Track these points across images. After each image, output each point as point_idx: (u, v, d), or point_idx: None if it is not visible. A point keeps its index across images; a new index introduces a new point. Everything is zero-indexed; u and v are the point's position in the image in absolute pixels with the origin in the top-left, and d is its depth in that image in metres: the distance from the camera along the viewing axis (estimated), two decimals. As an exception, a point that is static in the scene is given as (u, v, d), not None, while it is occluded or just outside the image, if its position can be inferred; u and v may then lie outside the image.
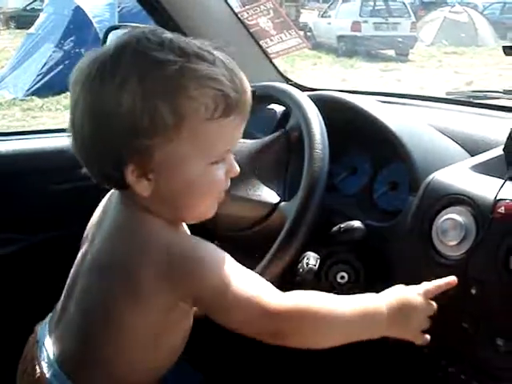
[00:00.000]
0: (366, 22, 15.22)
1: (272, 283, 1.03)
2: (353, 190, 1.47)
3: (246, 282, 0.97)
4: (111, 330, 1.00)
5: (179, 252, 0.96)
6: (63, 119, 8.09)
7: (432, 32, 15.76)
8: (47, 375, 1.03)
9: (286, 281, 1.18)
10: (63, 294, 1.11)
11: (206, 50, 0.96)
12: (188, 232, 1.10)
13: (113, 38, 1.85)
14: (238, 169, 1.03)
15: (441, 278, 1.15)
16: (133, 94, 0.89)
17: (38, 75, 9.22)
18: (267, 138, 1.33)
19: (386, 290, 1.06)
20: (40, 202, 1.76)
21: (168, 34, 0.96)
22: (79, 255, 1.10)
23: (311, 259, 1.21)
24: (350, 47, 14.42)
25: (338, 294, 1.22)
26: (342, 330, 1.01)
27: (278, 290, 0.99)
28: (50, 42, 9.58)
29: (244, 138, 1.41)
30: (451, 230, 1.14)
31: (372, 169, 1.46)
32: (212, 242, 1.44)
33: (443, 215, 1.16)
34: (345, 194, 1.47)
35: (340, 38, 14.94)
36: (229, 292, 0.95)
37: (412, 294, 1.06)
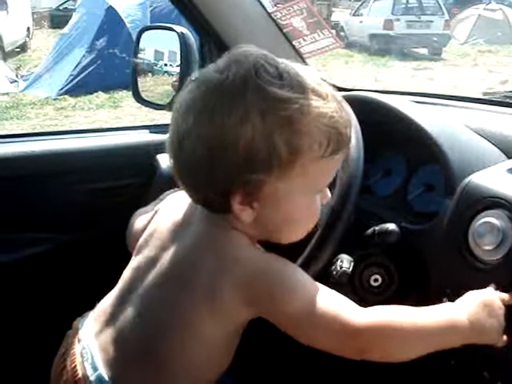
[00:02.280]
0: (398, 20, 15.12)
1: None
2: (387, 191, 1.45)
3: (326, 302, 0.96)
4: (184, 341, 0.99)
5: (264, 269, 0.97)
6: (95, 118, 8.20)
7: (466, 30, 15.59)
8: (91, 377, 1.01)
9: (321, 283, 1.17)
10: (115, 295, 1.09)
11: (320, 84, 0.97)
12: None
13: (146, 38, 1.87)
14: (330, 195, 1.06)
15: (477, 282, 1.13)
16: (253, 128, 0.90)
17: (71, 75, 9.34)
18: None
19: (462, 298, 1.04)
20: (69, 201, 1.78)
21: (282, 64, 0.96)
22: (140, 259, 1.09)
23: (345, 262, 1.20)
24: (383, 46, 14.33)
25: (371, 297, 1.23)
26: (425, 343, 0.99)
27: (357, 306, 0.98)
28: (83, 42, 9.71)
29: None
30: (488, 233, 1.12)
31: (406, 170, 1.44)
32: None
33: (480, 219, 1.14)
34: (379, 195, 1.45)
35: (372, 36, 14.87)
36: (310, 313, 0.94)
37: (488, 297, 1.04)
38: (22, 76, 10.54)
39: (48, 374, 1.15)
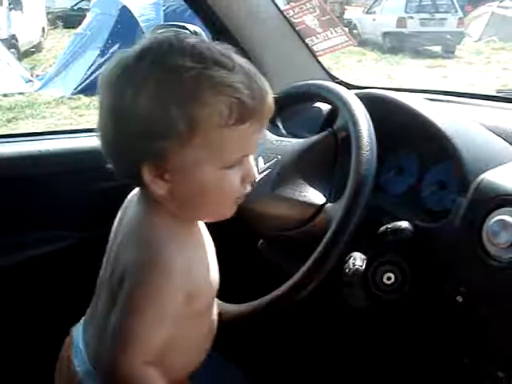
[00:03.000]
0: (411, 18, 15.02)
1: (319, 283, 1.04)
2: (400, 189, 1.45)
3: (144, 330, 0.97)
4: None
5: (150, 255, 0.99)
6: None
7: (479, 28, 15.46)
8: (80, 374, 1.07)
9: (333, 281, 1.17)
10: (95, 294, 1.14)
11: (227, 56, 0.97)
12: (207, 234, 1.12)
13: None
14: (256, 174, 1.05)
15: (491, 280, 1.13)
16: (149, 98, 0.92)
17: (86, 74, 9.37)
18: (314, 138, 1.32)
19: None
20: (82, 200, 1.78)
21: (191, 40, 0.97)
22: (106, 254, 1.14)
23: (358, 260, 1.20)
24: (396, 44, 14.25)
25: (384, 295, 1.22)
26: None
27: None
28: (97, 41, 9.73)
29: (290, 137, 1.42)
30: (502, 231, 1.12)
31: (419, 168, 1.43)
32: (257, 241, 1.46)
33: (494, 216, 1.13)
34: (392, 193, 1.45)
35: (385, 34, 14.78)
36: (128, 319, 0.97)
37: None
38: (36, 76, 10.59)
39: (51, 375, 1.17)
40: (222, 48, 0.98)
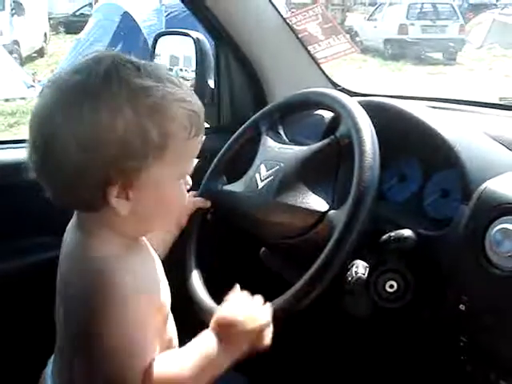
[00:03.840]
0: (413, 24, 15.07)
1: (322, 291, 1.05)
2: (402, 197, 1.45)
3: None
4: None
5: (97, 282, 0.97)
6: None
7: (481, 35, 15.49)
8: None
9: (335, 289, 1.17)
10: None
11: (171, 74, 1.02)
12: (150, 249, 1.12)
13: (162, 44, 1.87)
14: (190, 182, 1.10)
15: (494, 289, 1.13)
16: (124, 120, 0.93)
17: (87, 80, 9.39)
18: (316, 145, 1.32)
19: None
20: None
21: (135, 59, 1.00)
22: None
23: (360, 268, 1.20)
24: (397, 50, 14.28)
25: (386, 303, 1.22)
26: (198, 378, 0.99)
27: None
28: (99, 47, 9.75)
29: (292, 144, 1.42)
30: (505, 240, 1.11)
31: (422, 176, 1.43)
32: (259, 249, 1.46)
33: (497, 225, 1.13)
34: (394, 201, 1.45)
35: (387, 41, 14.82)
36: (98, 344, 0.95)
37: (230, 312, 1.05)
38: (38, 81, 10.59)
39: None
40: (161, 66, 1.05)
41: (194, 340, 1.02)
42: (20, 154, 1.78)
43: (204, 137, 1.05)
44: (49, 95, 0.97)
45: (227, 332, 1.02)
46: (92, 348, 0.95)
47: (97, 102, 0.93)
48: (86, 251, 1.01)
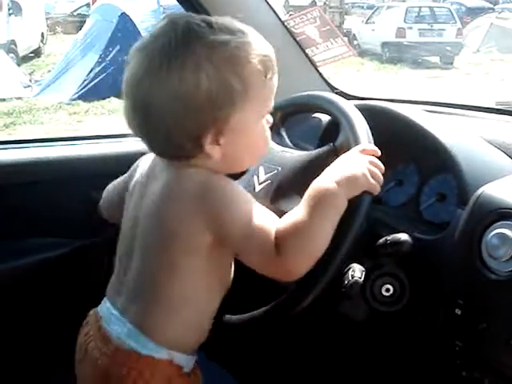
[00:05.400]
0: (410, 28, 15.08)
1: (318, 295, 1.07)
2: (399, 201, 1.45)
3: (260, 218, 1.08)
4: (174, 276, 1.12)
5: (215, 189, 1.09)
6: (107, 123, 8.22)
7: (478, 39, 15.50)
8: (123, 339, 1.14)
9: (332, 293, 1.17)
10: (118, 263, 1.23)
11: (240, 25, 1.12)
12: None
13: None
14: (271, 119, 1.19)
15: (491, 293, 1.13)
16: (207, 74, 1.04)
17: (85, 80, 9.37)
18: (314, 152, 1.31)
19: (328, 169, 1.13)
20: (80, 207, 1.78)
21: (206, 17, 1.11)
22: (126, 223, 1.22)
23: (356, 271, 1.20)
24: (395, 54, 14.28)
25: (382, 307, 1.22)
26: (322, 222, 1.08)
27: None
28: (97, 47, 9.74)
29: (291, 147, 1.42)
30: (501, 244, 1.12)
31: (419, 180, 1.44)
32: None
33: (493, 230, 1.13)
34: (391, 205, 1.45)
35: (384, 44, 14.82)
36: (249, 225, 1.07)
37: (347, 154, 1.16)
38: (35, 81, 10.58)
39: (48, 375, 1.17)
40: (227, 19, 1.12)
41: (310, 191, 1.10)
42: (20, 154, 1.80)
43: None
44: (136, 63, 1.09)
45: (348, 166, 1.12)
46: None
47: (180, 62, 1.04)
48: (184, 179, 1.12)
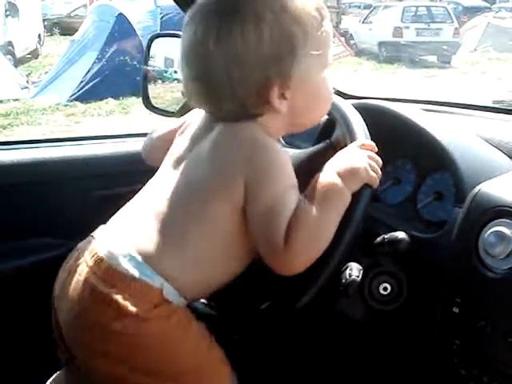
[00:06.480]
0: (407, 27, 15.11)
1: (315, 293, 1.07)
2: (396, 199, 1.45)
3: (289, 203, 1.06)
4: (195, 218, 1.09)
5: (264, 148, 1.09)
6: (105, 124, 8.22)
7: (475, 38, 15.53)
8: (117, 259, 1.08)
9: (329, 291, 1.17)
10: (137, 201, 1.19)
11: None
12: None
13: (157, 45, 1.87)
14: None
15: (488, 291, 1.13)
16: (270, 27, 1.05)
17: (82, 81, 9.38)
18: (310, 150, 1.32)
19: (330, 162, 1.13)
20: (78, 208, 1.78)
21: None
22: (165, 166, 1.19)
23: (354, 270, 1.20)
24: (392, 53, 14.31)
25: (380, 305, 1.22)
26: (327, 213, 1.07)
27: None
28: (94, 48, 9.75)
29: (287, 147, 1.42)
30: (498, 242, 1.12)
31: (416, 178, 1.44)
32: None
33: (490, 228, 1.14)
34: (388, 203, 1.45)
35: (381, 44, 14.85)
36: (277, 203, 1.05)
37: (348, 148, 1.15)
38: (32, 82, 10.59)
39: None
40: None
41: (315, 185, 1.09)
42: (18, 155, 1.79)
43: None
44: (193, 28, 1.09)
45: (350, 159, 1.12)
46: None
47: (239, 19, 1.05)
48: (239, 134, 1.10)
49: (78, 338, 1.12)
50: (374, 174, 1.12)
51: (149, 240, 1.09)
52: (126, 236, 1.12)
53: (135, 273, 1.06)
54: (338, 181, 1.08)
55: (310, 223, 1.05)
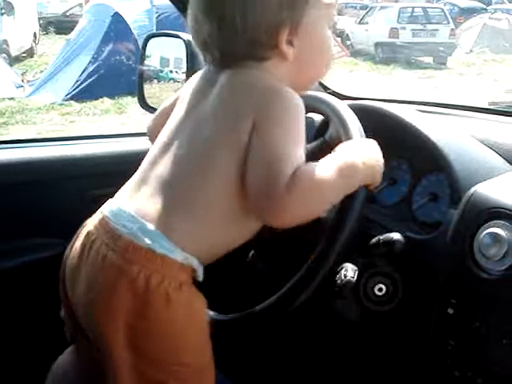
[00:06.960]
0: (403, 28, 15.13)
1: (310, 294, 1.06)
2: (391, 200, 1.45)
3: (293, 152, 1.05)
4: (204, 176, 1.08)
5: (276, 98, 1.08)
6: (100, 124, 8.21)
7: (471, 39, 15.58)
8: (136, 234, 1.05)
9: (325, 292, 1.17)
10: (140, 172, 1.17)
11: None
12: None
13: (153, 45, 1.87)
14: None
15: (483, 293, 1.13)
16: None
17: (77, 80, 9.37)
18: (305, 147, 1.32)
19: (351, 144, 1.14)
20: (74, 208, 1.78)
21: None
22: (168, 127, 1.18)
23: (349, 271, 1.20)
24: (388, 54, 14.33)
25: (375, 306, 1.22)
26: (333, 186, 1.07)
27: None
28: (89, 47, 9.73)
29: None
30: (493, 244, 1.12)
31: (411, 180, 1.44)
32: (248, 251, 1.46)
33: (485, 229, 1.14)
34: (383, 204, 1.45)
35: (377, 44, 14.86)
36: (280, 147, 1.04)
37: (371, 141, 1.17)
38: (28, 81, 10.56)
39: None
40: None
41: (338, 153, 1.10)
42: (15, 154, 1.79)
43: None
44: None
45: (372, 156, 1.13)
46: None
47: None
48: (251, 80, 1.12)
49: (93, 314, 1.09)
50: (380, 176, 1.14)
51: (161, 209, 1.07)
52: (136, 206, 1.10)
53: (157, 248, 1.05)
54: (359, 162, 1.09)
55: (316, 179, 1.03)
